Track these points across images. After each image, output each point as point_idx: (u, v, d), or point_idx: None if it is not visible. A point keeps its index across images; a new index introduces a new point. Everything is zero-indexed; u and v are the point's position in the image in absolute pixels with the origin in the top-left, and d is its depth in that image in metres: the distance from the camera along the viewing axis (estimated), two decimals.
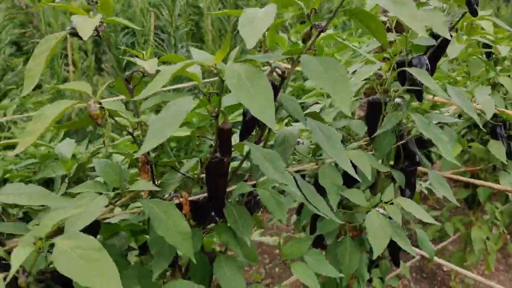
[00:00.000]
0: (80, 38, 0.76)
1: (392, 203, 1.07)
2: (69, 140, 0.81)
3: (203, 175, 0.88)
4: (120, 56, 3.31)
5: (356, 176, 0.88)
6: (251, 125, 0.84)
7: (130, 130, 0.76)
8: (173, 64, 0.71)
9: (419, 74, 1.01)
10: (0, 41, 2.41)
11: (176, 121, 0.64)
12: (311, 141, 1.32)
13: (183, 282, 0.78)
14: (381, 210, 1.06)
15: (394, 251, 1.66)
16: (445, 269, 3.04)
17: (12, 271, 0.48)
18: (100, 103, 0.68)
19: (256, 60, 0.68)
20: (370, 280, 1.66)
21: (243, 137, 0.85)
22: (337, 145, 0.88)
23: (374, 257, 0.97)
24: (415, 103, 1.33)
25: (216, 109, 0.76)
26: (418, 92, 1.16)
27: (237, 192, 0.90)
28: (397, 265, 1.70)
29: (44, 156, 1.49)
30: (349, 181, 1.14)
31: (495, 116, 2.06)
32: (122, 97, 0.99)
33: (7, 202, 0.63)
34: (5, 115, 1.92)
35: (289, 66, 0.85)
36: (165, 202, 0.74)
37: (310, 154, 1.26)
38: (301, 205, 1.31)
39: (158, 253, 0.78)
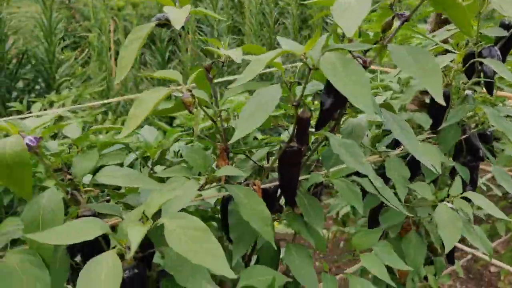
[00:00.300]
0: (168, 28, 0.79)
1: (461, 197, 1.05)
2: (150, 127, 0.84)
3: (275, 165, 0.90)
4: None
5: (432, 168, 0.87)
6: (328, 116, 0.84)
7: (214, 119, 0.78)
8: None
9: (496, 65, 0.99)
10: (55, 35, 2.51)
11: (267, 109, 0.66)
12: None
13: (262, 267, 0.80)
14: (449, 204, 1.04)
15: (450, 250, 1.63)
16: (492, 270, 2.96)
17: (133, 249, 0.51)
18: (190, 91, 0.70)
19: (345, 48, 0.69)
20: (425, 278, 1.64)
21: (318, 127, 0.85)
22: (412, 136, 0.87)
23: (446, 252, 0.95)
24: (481, 96, 1.29)
25: (298, 97, 0.77)
26: (488, 84, 1.13)
27: (311, 182, 0.91)
28: (452, 262, 1.66)
29: (103, 145, 1.55)
30: (412, 175, 1.13)
31: None
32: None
33: (107, 183, 0.66)
34: (63, 105, 2.01)
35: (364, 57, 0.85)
36: (248, 188, 0.76)
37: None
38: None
39: (238, 238, 0.80)
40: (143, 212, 0.58)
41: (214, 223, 1.06)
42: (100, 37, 2.80)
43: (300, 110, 0.79)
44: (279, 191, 0.93)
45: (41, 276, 0.60)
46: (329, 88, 0.81)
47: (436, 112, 1.23)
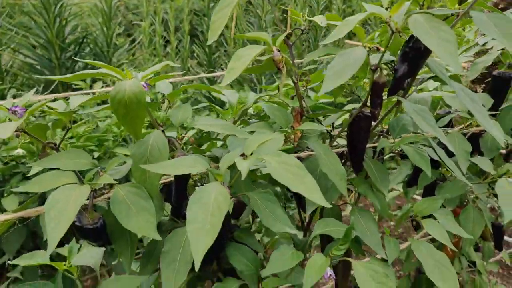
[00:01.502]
0: None
1: None
2: (233, 91, 0.91)
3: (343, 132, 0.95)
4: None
5: (500, 140, 0.90)
6: (400, 83, 0.89)
7: (294, 79, 0.84)
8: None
9: None
10: (113, 21, 2.64)
11: (354, 67, 0.71)
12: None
13: (332, 220, 0.85)
14: (510, 179, 1.06)
15: (498, 235, 1.63)
16: None
17: (244, 174, 0.57)
18: (279, 50, 0.76)
19: (430, 12, 0.73)
20: (473, 263, 1.65)
21: (391, 93, 0.89)
22: (482, 109, 0.90)
23: (505, 222, 0.97)
24: None
25: (376, 62, 0.82)
26: None
27: (379, 147, 0.96)
28: (500, 249, 1.66)
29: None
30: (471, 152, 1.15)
31: None
32: None
33: (205, 130, 0.73)
34: None
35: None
36: (327, 146, 0.82)
37: None
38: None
39: None
40: (243, 154, 0.65)
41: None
42: (153, 25, 2.93)
43: (376, 75, 0.84)
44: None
45: (146, 206, 0.68)
46: (404, 56, 0.85)
47: (497, 93, 1.24)
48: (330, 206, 0.59)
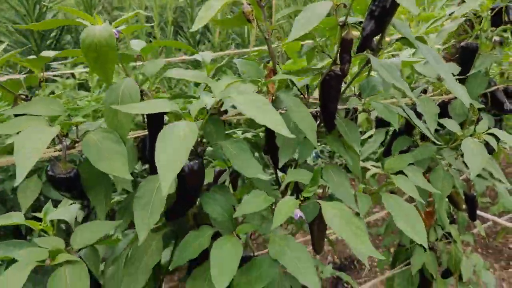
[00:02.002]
0: None
1: (488, 133, 1.11)
2: (208, 52, 0.93)
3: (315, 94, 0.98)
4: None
5: (465, 99, 0.94)
6: (368, 41, 0.91)
7: (265, 35, 0.86)
8: None
9: None
10: (94, 9, 2.64)
11: (318, 18, 0.74)
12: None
13: (304, 170, 0.88)
14: (475, 139, 1.10)
15: (472, 205, 1.69)
16: (511, 246, 2.97)
17: (210, 105, 0.59)
18: (249, 4, 0.79)
19: None
20: (448, 234, 1.70)
21: (360, 50, 0.93)
22: (445, 67, 0.94)
23: (472, 177, 1.01)
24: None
25: (344, 18, 0.85)
26: None
27: (350, 106, 0.99)
28: (473, 219, 1.72)
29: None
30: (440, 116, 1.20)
31: None
32: None
33: (176, 77, 0.75)
34: None
35: None
36: (297, 98, 0.84)
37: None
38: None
39: (283, 147, 0.88)
40: (211, 92, 0.67)
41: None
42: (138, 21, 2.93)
43: (344, 32, 0.87)
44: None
45: (118, 149, 0.70)
46: (371, 15, 0.89)
47: (464, 61, 1.29)
48: (293, 136, 0.61)
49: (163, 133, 0.61)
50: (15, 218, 0.86)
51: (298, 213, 0.75)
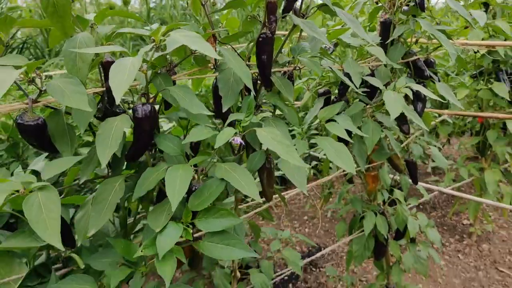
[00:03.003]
0: None
1: (406, 87, 1.30)
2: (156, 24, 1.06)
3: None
4: None
5: (383, 58, 1.12)
6: (290, 3, 1.09)
7: (202, 1, 1.01)
8: None
9: None
10: None
11: None
12: None
13: (243, 113, 1.02)
14: (395, 92, 1.29)
15: (413, 170, 1.87)
16: (464, 223, 3.20)
17: (157, 41, 0.73)
18: None
19: None
20: (393, 201, 1.87)
21: (284, 12, 1.09)
22: (359, 25, 1.12)
23: (391, 119, 1.18)
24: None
25: None
26: (421, 2, 1.41)
27: (281, 62, 1.15)
28: (415, 182, 1.91)
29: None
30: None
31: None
32: None
33: (127, 33, 0.88)
34: None
35: None
36: (233, 51, 0.99)
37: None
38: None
39: (226, 94, 1.03)
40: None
41: None
42: None
43: None
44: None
45: (78, 89, 0.81)
46: None
47: (384, 33, 1.49)
48: (219, 58, 0.75)
49: (116, 64, 0.74)
50: None
51: (238, 140, 0.89)
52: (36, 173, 1.03)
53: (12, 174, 1.12)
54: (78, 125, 0.88)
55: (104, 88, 0.96)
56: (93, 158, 0.97)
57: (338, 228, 2.02)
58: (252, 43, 1.17)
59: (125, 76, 0.71)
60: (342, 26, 1.48)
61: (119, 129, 0.84)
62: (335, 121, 1.19)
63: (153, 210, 0.93)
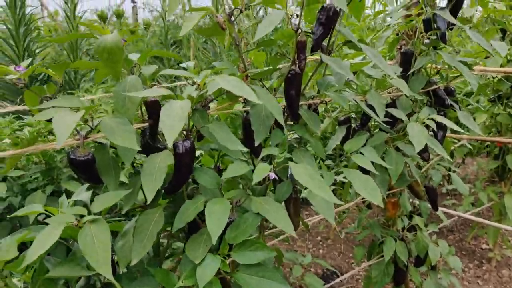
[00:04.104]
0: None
1: (429, 119, 1.34)
2: (190, 61, 1.13)
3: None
4: None
5: (406, 90, 1.17)
6: (318, 42, 1.15)
7: (236, 42, 1.08)
8: None
9: (443, 13, 1.31)
10: (80, 49, 2.87)
11: (276, 20, 0.97)
12: None
13: (275, 148, 1.07)
14: (418, 123, 1.33)
15: (432, 196, 1.90)
16: (483, 247, 3.17)
17: (201, 82, 0.80)
18: (222, 17, 1.01)
19: None
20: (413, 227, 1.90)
21: (313, 51, 1.16)
22: (384, 62, 1.18)
23: (416, 151, 1.22)
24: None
25: (297, 23, 1.08)
26: (442, 35, 1.46)
27: (308, 95, 1.21)
28: (436, 209, 1.93)
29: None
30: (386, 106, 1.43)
31: None
32: None
33: (169, 73, 0.95)
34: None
35: None
36: (264, 89, 1.06)
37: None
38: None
39: (258, 129, 1.08)
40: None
41: None
42: None
43: (298, 36, 1.10)
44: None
45: (127, 128, 0.87)
46: (319, 22, 1.13)
47: (404, 64, 1.55)
48: (258, 102, 0.81)
49: (166, 106, 0.80)
50: (36, 207, 1.02)
51: (273, 175, 0.94)
52: (79, 201, 1.09)
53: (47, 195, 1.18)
54: (123, 160, 0.94)
55: (147, 124, 1.02)
56: (135, 190, 1.03)
57: (357, 252, 2.04)
58: (278, 76, 1.24)
59: (176, 120, 0.78)
60: (363, 58, 1.54)
61: (162, 165, 0.90)
62: (361, 152, 1.23)
63: (191, 241, 0.98)
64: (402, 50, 1.57)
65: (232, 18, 1.12)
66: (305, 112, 1.21)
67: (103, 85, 2.53)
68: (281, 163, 0.99)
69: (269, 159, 1.10)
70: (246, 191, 1.03)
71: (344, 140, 1.54)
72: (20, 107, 1.75)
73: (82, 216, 0.87)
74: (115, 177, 0.97)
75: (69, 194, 1.58)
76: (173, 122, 0.77)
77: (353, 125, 1.60)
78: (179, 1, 1.06)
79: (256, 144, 1.08)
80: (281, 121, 1.03)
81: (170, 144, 0.75)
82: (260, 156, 1.03)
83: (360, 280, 2.98)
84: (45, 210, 1.02)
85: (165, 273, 0.96)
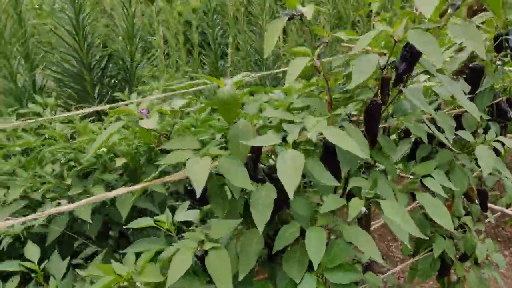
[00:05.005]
0: (290, 19, 1.19)
1: (496, 141, 1.42)
2: (280, 91, 1.25)
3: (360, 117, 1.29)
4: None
5: (476, 114, 1.24)
6: (401, 77, 1.23)
7: (326, 77, 1.17)
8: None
9: None
10: (135, 38, 2.97)
11: (372, 67, 1.06)
12: None
13: (360, 178, 1.19)
14: (486, 146, 1.41)
15: (483, 198, 1.99)
16: None
17: (314, 139, 0.91)
18: (318, 59, 1.11)
19: (420, 28, 1.07)
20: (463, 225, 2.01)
21: (395, 85, 1.24)
22: (459, 90, 1.26)
23: (485, 175, 1.32)
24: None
25: (384, 63, 1.16)
26: None
27: (390, 124, 1.31)
28: (485, 210, 2.03)
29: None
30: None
31: None
32: None
33: (270, 116, 1.06)
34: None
35: None
36: (350, 124, 1.16)
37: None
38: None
39: (344, 161, 1.19)
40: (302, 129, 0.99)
41: None
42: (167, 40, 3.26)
43: (384, 72, 1.18)
44: None
45: (240, 168, 1.01)
46: (403, 58, 1.20)
47: (473, 80, 1.60)
48: (366, 156, 0.92)
49: (281, 158, 0.92)
50: (147, 220, 1.19)
51: (364, 209, 1.07)
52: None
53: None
54: (233, 192, 1.07)
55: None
56: (236, 213, 1.18)
57: (405, 247, 2.18)
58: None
59: (292, 175, 0.90)
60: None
61: (269, 200, 1.04)
62: (431, 175, 1.34)
63: (287, 258, 1.12)
64: (470, 65, 1.61)
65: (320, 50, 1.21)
66: (382, 138, 1.30)
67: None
68: (372, 198, 1.11)
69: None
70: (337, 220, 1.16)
71: (410, 154, 1.64)
72: (96, 108, 1.92)
73: (202, 241, 1.02)
74: (223, 205, 1.11)
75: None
76: (289, 176, 0.90)
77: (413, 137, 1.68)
78: (276, 40, 1.15)
79: (342, 175, 1.19)
80: (367, 155, 1.14)
81: (291, 197, 0.87)
82: (348, 188, 1.15)
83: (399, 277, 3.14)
84: (155, 222, 1.19)
85: (265, 285, 1.11)
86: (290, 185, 0.88)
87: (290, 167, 0.91)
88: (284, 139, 1.03)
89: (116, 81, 3.12)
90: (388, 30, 1.07)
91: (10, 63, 2.55)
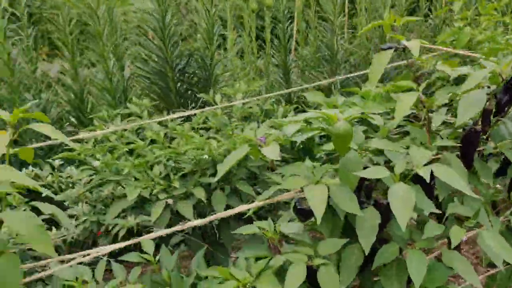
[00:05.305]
0: (395, 50, 1.26)
1: None
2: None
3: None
4: None
5: None
6: (502, 108, 1.27)
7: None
8: None
9: None
10: (215, 38, 3.13)
11: (480, 105, 1.11)
12: None
13: (457, 204, 1.26)
14: None
15: None
16: None
17: (427, 178, 1.00)
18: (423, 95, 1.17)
19: None
20: None
21: (496, 115, 1.28)
22: None
23: None
24: None
25: (488, 96, 1.20)
26: None
27: (487, 151, 1.35)
28: None
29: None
30: None
31: None
32: None
33: (378, 147, 1.15)
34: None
35: None
36: (453, 154, 1.23)
37: None
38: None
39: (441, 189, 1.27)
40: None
41: None
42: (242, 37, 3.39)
43: (487, 104, 1.23)
44: None
45: (350, 195, 1.12)
46: (506, 90, 1.24)
47: None
48: (469, 192, 1.00)
49: (393, 191, 1.02)
50: (253, 228, 1.32)
51: (464, 238, 1.15)
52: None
53: None
54: (340, 214, 1.19)
55: None
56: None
57: (485, 258, 2.20)
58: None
59: (405, 203, 1.00)
60: None
61: (373, 224, 1.14)
62: None
63: (385, 274, 1.23)
64: None
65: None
66: (478, 162, 1.36)
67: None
68: (469, 224, 1.18)
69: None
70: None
71: (499, 171, 1.66)
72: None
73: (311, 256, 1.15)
74: (326, 224, 1.23)
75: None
76: (402, 210, 1.00)
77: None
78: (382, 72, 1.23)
79: (440, 200, 1.27)
80: (465, 181, 1.20)
81: (403, 229, 0.98)
82: (447, 214, 1.23)
83: None
84: (258, 228, 1.33)
85: None
86: (403, 218, 0.98)
87: (402, 201, 1.01)
88: (390, 168, 1.12)
89: (196, 78, 3.32)
90: (497, 69, 1.11)
91: (107, 63, 2.80)
